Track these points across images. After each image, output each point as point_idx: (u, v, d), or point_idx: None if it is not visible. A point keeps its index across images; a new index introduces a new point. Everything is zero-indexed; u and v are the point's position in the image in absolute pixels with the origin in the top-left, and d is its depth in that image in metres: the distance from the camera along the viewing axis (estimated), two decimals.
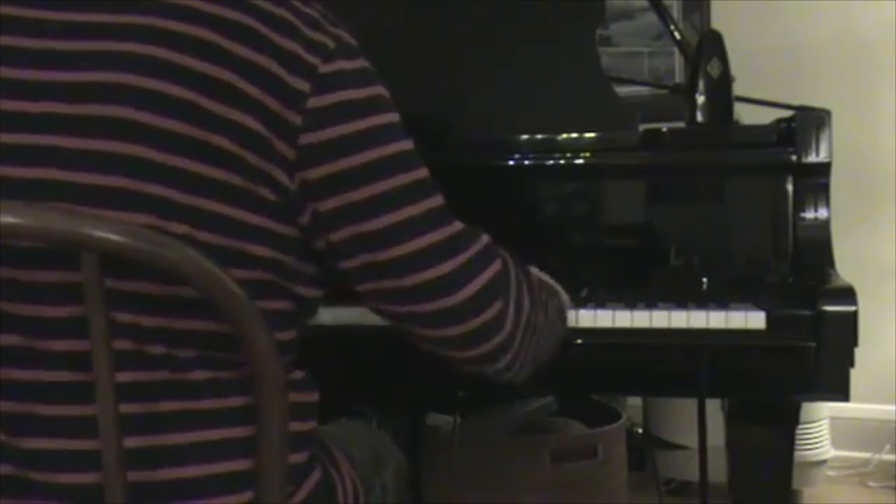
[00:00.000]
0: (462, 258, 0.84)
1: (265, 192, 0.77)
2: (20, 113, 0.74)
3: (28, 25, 0.76)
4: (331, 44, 0.79)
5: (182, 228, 0.73)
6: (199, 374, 0.78)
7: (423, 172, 0.84)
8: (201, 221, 0.74)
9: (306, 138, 0.77)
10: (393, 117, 0.82)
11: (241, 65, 0.75)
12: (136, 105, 0.73)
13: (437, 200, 0.84)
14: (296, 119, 0.77)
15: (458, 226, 0.85)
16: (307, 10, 0.80)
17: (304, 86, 0.77)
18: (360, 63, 0.81)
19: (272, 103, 0.76)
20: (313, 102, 0.77)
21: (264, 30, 0.76)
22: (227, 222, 0.75)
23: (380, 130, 0.81)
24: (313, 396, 0.88)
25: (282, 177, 0.77)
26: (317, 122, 0.77)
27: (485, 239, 0.88)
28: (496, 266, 0.88)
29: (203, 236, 0.74)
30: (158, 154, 0.73)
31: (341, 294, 0.91)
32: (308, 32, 0.78)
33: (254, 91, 0.75)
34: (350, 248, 0.81)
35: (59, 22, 0.75)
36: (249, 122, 0.75)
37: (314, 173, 0.78)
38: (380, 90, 0.82)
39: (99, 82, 0.74)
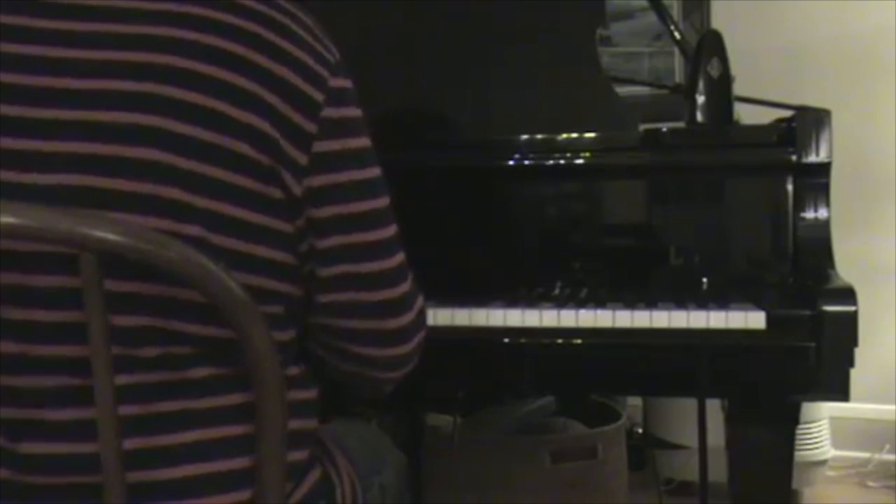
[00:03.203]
0: (409, 283, 0.91)
1: (274, 192, 0.79)
2: (41, 120, 0.74)
3: (55, 35, 0.77)
4: (331, 58, 0.83)
5: (195, 230, 0.74)
6: (200, 372, 0.78)
7: (389, 199, 0.89)
8: (214, 223, 0.76)
9: (320, 146, 0.80)
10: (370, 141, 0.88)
11: (259, 73, 0.77)
12: (152, 111, 0.74)
13: (396, 227, 0.90)
14: (311, 127, 0.80)
15: (403, 254, 0.91)
16: (310, 22, 0.83)
17: (318, 96, 0.80)
18: (350, 83, 0.85)
19: (287, 110, 0.78)
20: (328, 113, 0.81)
21: (279, 40, 0.79)
22: (240, 224, 0.77)
23: (371, 152, 0.86)
24: (312, 393, 0.88)
25: (289, 179, 0.79)
26: (330, 132, 0.81)
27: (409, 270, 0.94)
28: (421, 297, 0.95)
29: (216, 238, 0.76)
30: (175, 158, 0.74)
31: None
32: (315, 44, 0.82)
33: (270, 97, 0.77)
34: (333, 256, 0.84)
35: (86, 32, 0.77)
36: (264, 126, 0.77)
37: (320, 180, 0.81)
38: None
39: (116, 90, 0.75)
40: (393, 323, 0.89)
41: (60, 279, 0.73)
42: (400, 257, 0.89)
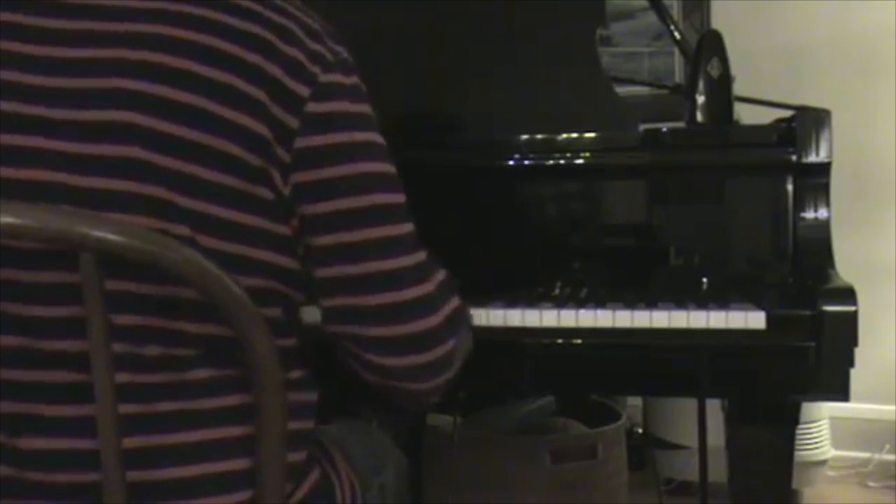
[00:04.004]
0: (429, 287, 0.86)
1: (264, 193, 0.78)
2: (27, 117, 0.75)
3: (38, 33, 0.77)
4: (330, 56, 0.82)
5: (184, 230, 0.74)
6: (201, 373, 0.78)
7: (402, 197, 0.86)
8: (202, 225, 0.75)
9: (302, 142, 0.79)
10: (380, 138, 0.85)
11: (252, 72, 0.77)
12: (141, 110, 0.74)
13: (410, 226, 0.86)
14: (294, 123, 0.79)
15: (424, 255, 0.87)
16: (310, 22, 0.82)
17: (304, 91, 0.79)
18: (355, 80, 0.84)
19: (274, 108, 0.78)
20: (311, 108, 0.79)
21: (271, 38, 0.78)
22: (227, 225, 0.77)
23: (368, 147, 0.83)
24: (313, 396, 0.88)
25: (277, 179, 0.79)
26: (313, 127, 0.79)
27: (444, 273, 0.90)
28: (455, 301, 0.90)
29: (204, 240, 0.75)
30: (161, 157, 0.74)
31: None
32: (310, 43, 0.81)
33: (259, 95, 0.77)
34: (328, 256, 0.82)
35: (69, 30, 0.77)
36: (255, 126, 0.77)
37: (306, 176, 0.80)
38: (370, 109, 0.85)
39: (106, 88, 0.75)
40: (404, 328, 0.84)
41: (60, 275, 0.73)
42: (410, 259, 0.85)
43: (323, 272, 0.83)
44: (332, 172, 0.81)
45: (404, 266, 0.84)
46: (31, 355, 0.75)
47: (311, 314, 0.91)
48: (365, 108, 0.84)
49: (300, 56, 0.79)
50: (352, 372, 0.89)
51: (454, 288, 0.90)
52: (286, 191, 0.79)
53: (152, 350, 0.76)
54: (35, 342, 0.75)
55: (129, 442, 0.75)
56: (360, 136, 0.83)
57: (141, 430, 0.76)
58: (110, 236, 0.69)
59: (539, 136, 1.37)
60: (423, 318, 0.85)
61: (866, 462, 2.72)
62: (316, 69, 0.80)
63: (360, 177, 0.82)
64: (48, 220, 0.69)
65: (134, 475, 0.75)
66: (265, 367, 0.76)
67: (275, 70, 0.78)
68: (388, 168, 0.85)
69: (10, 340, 0.75)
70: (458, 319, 0.90)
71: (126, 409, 0.75)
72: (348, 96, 0.83)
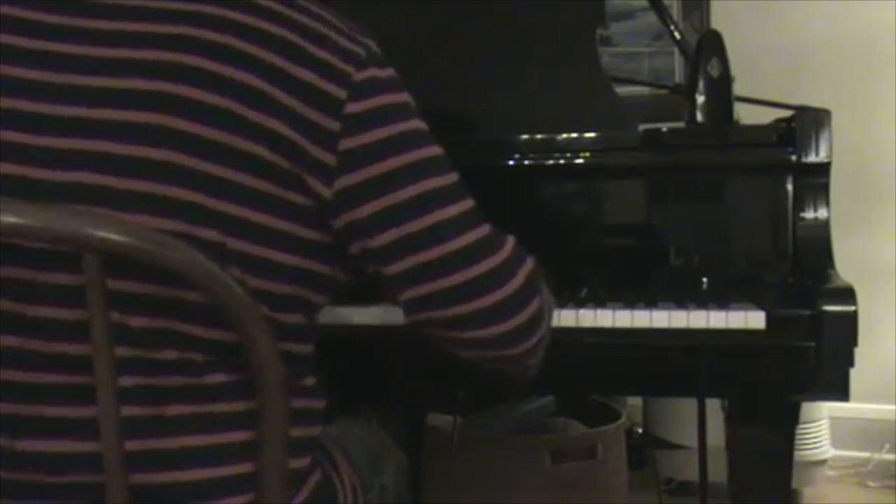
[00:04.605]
0: (501, 256, 0.85)
1: (296, 198, 0.77)
2: (57, 117, 0.75)
3: (72, 32, 0.77)
4: (362, 52, 0.81)
5: (211, 234, 0.74)
6: (218, 377, 0.78)
7: (456, 176, 0.85)
8: (230, 227, 0.75)
9: (347, 143, 0.78)
10: (423, 124, 0.84)
11: (277, 74, 0.76)
12: (170, 112, 0.74)
13: (470, 202, 0.86)
14: (334, 126, 0.78)
15: (488, 227, 0.87)
16: (337, 21, 0.82)
17: (340, 93, 0.78)
18: (389, 72, 0.83)
19: (308, 111, 0.77)
20: (351, 108, 0.79)
21: (300, 41, 0.78)
22: (255, 229, 0.76)
23: (416, 134, 0.83)
24: (321, 403, 0.88)
25: (315, 183, 0.78)
26: (356, 126, 0.79)
27: (512, 239, 0.89)
28: (529, 264, 0.89)
29: (233, 243, 0.75)
30: (189, 159, 0.74)
31: (340, 294, 0.91)
32: (341, 42, 0.80)
33: (288, 100, 0.76)
34: (394, 252, 0.82)
35: (102, 31, 0.77)
36: (283, 129, 0.76)
37: (356, 177, 0.79)
38: (409, 98, 0.84)
39: (125, 88, 0.75)
40: (491, 298, 0.84)
41: (71, 277, 0.73)
42: (478, 232, 0.84)
43: (394, 268, 0.82)
44: (387, 166, 0.80)
45: (475, 240, 0.84)
46: (35, 357, 0.75)
47: (323, 315, 0.91)
48: (405, 97, 0.83)
49: (331, 56, 0.78)
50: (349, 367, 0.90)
51: (523, 252, 0.90)
52: (328, 195, 0.78)
53: (168, 354, 0.76)
54: (41, 344, 0.75)
55: (137, 444, 0.75)
56: (405, 126, 0.82)
57: (147, 433, 0.76)
58: (114, 237, 0.69)
59: (539, 136, 1.37)
60: (505, 285, 0.85)
61: (866, 462, 2.72)
62: (349, 68, 0.79)
63: (415, 165, 0.82)
64: (51, 219, 0.69)
65: (140, 478, 0.75)
66: (268, 368, 0.75)
67: (304, 73, 0.77)
68: (438, 151, 0.84)
69: (9, 340, 0.75)
70: (537, 277, 0.90)
71: (133, 411, 0.75)
72: (387, 89, 0.82)
